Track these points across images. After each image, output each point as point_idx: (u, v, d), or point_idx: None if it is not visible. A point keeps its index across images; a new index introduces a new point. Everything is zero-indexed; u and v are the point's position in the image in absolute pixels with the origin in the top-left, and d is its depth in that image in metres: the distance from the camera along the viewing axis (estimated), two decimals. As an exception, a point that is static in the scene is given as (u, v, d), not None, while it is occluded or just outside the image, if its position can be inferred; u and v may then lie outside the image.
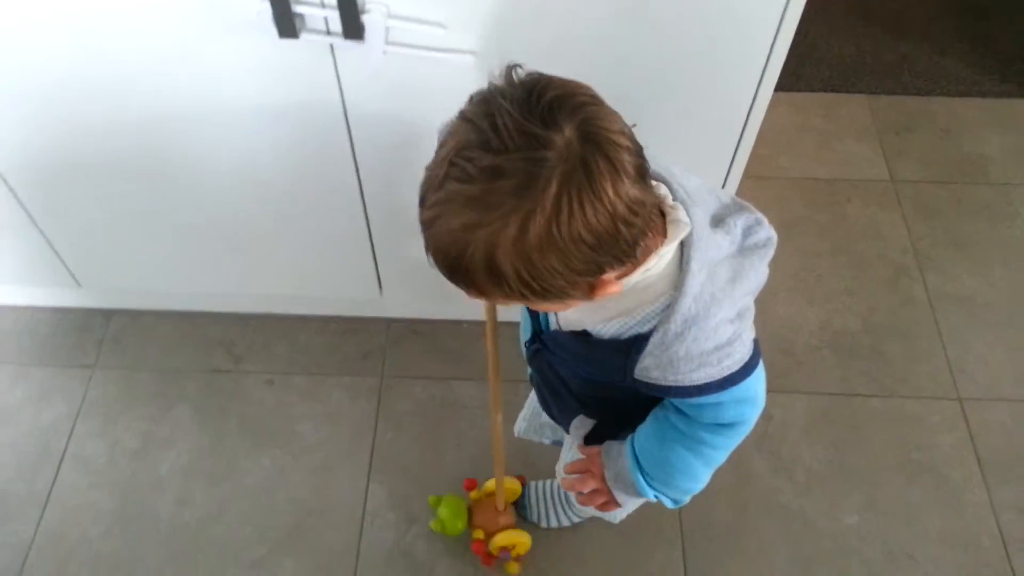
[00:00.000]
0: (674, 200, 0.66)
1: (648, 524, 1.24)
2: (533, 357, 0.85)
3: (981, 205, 1.66)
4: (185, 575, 1.20)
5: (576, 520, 1.22)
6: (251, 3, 0.88)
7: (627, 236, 0.56)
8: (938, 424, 1.36)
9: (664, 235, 0.64)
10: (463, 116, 0.56)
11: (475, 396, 1.37)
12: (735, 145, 1.07)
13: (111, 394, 1.39)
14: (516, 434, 1.12)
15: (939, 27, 2.01)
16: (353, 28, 0.88)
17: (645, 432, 0.78)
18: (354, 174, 1.11)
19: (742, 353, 0.68)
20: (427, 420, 1.36)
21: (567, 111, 0.54)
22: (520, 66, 0.57)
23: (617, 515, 1.07)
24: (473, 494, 1.22)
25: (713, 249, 0.66)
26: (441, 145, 0.57)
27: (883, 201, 1.67)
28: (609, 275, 0.59)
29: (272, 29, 0.89)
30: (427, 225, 0.58)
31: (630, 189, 0.55)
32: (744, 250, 0.69)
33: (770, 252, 0.71)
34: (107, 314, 1.48)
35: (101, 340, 1.45)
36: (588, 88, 0.57)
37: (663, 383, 0.67)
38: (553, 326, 0.78)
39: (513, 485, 1.21)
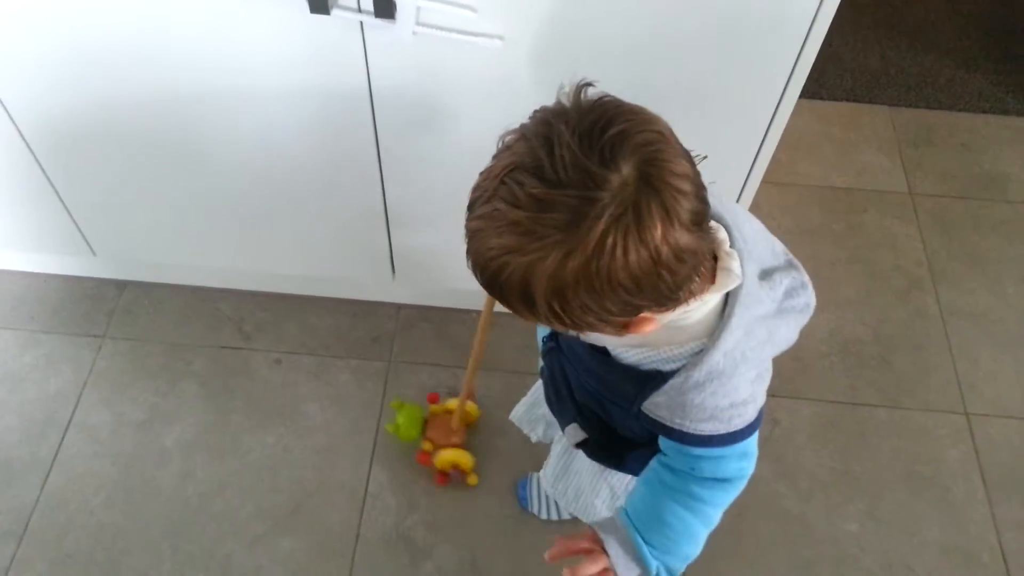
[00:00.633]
0: (731, 246, 0.63)
1: (649, 522, 1.24)
2: (546, 354, 0.85)
3: (998, 222, 1.65)
4: (184, 548, 1.20)
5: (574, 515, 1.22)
6: (283, -23, 0.88)
7: (668, 282, 0.54)
8: (944, 438, 1.35)
9: (712, 280, 0.62)
10: (523, 133, 0.54)
11: (480, 386, 1.37)
12: (756, 150, 1.07)
13: (119, 365, 1.39)
14: (511, 418, 1.12)
15: (965, 43, 2.01)
16: (385, 7, 0.89)
17: (638, 498, 0.75)
18: (375, 156, 1.11)
19: (752, 414, 0.67)
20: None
21: (629, 149, 0.51)
22: (592, 85, 0.54)
23: None
24: (432, 407, 1.27)
25: (756, 306, 0.64)
26: (497, 155, 0.55)
27: (900, 213, 1.66)
28: (646, 315, 0.57)
29: (303, 3, 0.89)
30: (471, 234, 0.56)
31: (680, 236, 0.52)
32: (782, 311, 0.67)
33: (805, 319, 0.69)
34: (120, 285, 1.48)
35: (112, 311, 1.45)
36: (658, 123, 0.54)
37: (668, 424, 0.66)
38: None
39: (472, 408, 1.27)
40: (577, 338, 0.73)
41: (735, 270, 0.62)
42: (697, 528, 0.72)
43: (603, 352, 0.69)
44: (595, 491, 0.95)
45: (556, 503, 1.22)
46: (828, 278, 1.55)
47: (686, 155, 0.55)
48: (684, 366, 0.63)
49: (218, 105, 1.07)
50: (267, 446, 1.30)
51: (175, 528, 1.22)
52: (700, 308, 0.61)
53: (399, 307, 1.47)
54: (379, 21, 0.91)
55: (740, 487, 0.72)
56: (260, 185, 1.20)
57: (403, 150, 1.10)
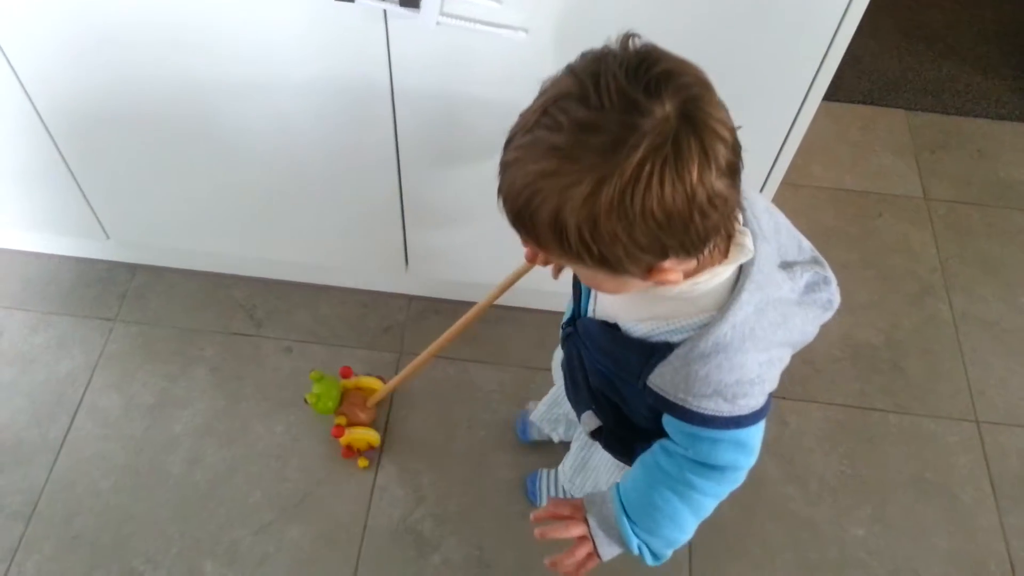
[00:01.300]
0: (744, 226, 0.64)
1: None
2: (565, 340, 0.85)
3: (1014, 230, 1.64)
4: (191, 534, 1.21)
5: None
6: (308, -36, 0.88)
7: (700, 227, 0.54)
8: (954, 445, 1.35)
9: (726, 255, 0.63)
10: (570, 70, 0.55)
11: (490, 380, 1.37)
12: (776, 152, 1.06)
13: (130, 348, 1.39)
14: (532, 418, 1.12)
15: (984, 49, 1.99)
16: (408, -4, 0.88)
17: (632, 476, 0.76)
18: (393, 147, 1.11)
19: (758, 400, 0.66)
20: (441, 400, 1.35)
21: (674, 87, 0.52)
22: (638, 36, 0.55)
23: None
24: (344, 382, 1.26)
25: (771, 287, 0.64)
26: (541, 93, 0.56)
27: (914, 218, 1.65)
28: (670, 263, 0.57)
29: (328, -9, 0.88)
30: (504, 167, 0.56)
31: (716, 181, 0.53)
32: (802, 303, 0.68)
33: (827, 315, 0.69)
34: (132, 268, 1.48)
35: (124, 294, 1.45)
36: (702, 72, 0.56)
37: (671, 399, 0.66)
38: (590, 314, 0.78)
39: (375, 383, 1.26)
40: (593, 318, 0.75)
41: (747, 245, 0.63)
42: (684, 514, 0.72)
43: (614, 328, 0.70)
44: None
45: (563, 422, 1.20)
46: (841, 281, 1.51)
47: (725, 108, 0.56)
48: (691, 337, 0.63)
49: (237, 91, 1.06)
50: (276, 434, 1.30)
51: (183, 513, 1.22)
52: (710, 280, 0.62)
53: (410, 299, 1.47)
54: (403, 10, 0.91)
55: (735, 481, 0.72)
56: (276, 172, 1.19)
57: (421, 142, 1.10)
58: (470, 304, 1.46)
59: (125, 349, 1.39)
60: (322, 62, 1.01)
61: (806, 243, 0.72)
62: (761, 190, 1.12)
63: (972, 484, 1.30)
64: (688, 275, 0.61)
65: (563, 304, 0.87)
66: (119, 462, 1.27)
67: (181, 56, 1.02)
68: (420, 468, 1.27)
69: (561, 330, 0.86)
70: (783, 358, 0.68)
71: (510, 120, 0.58)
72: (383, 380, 1.27)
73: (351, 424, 1.23)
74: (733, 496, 1.29)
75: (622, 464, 0.90)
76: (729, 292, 0.63)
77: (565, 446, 1.08)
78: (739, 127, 0.56)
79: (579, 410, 0.88)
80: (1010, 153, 1.78)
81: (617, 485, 0.76)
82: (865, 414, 1.37)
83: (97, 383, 1.35)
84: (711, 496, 0.72)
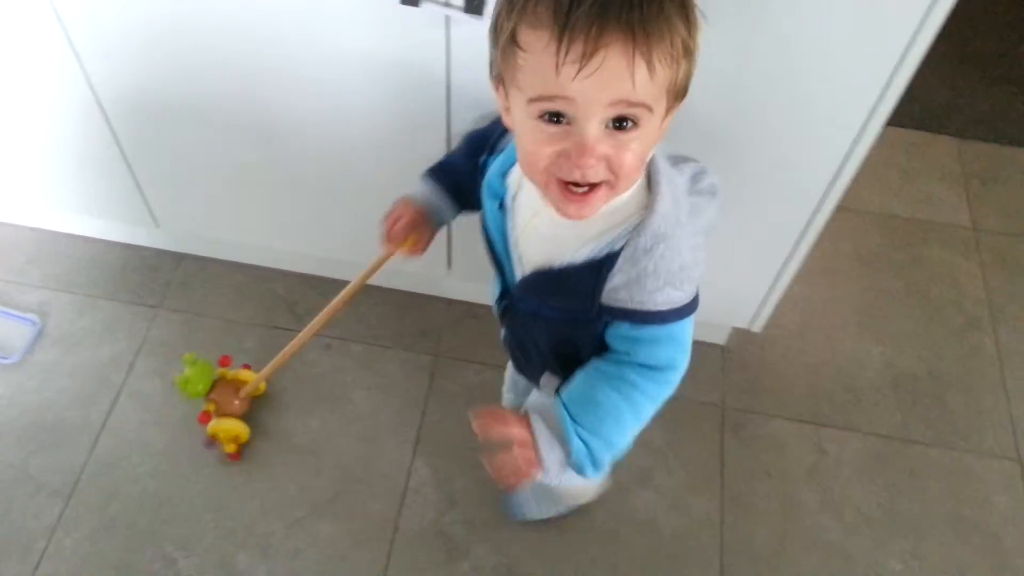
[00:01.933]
0: None
1: (687, 539, 1.23)
2: (503, 314, 0.87)
3: (1064, 266, 1.61)
4: (225, 524, 1.22)
5: (554, 512, 1.21)
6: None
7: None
8: (995, 483, 1.32)
9: None
10: None
11: (458, 382, 1.37)
12: (833, 175, 1.05)
13: (172, 336, 1.41)
14: (505, 406, 1.11)
15: (1040, 78, 1.96)
16: (475, 2, 0.88)
17: (574, 383, 0.77)
18: (445, 149, 1.11)
19: (695, 284, 0.73)
20: (476, 405, 1.35)
21: None
22: None
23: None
24: (222, 371, 1.26)
25: (675, 178, 0.72)
26: None
27: (962, 248, 1.63)
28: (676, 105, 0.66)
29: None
30: None
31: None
32: (695, 192, 0.75)
33: (718, 198, 0.77)
34: (178, 257, 1.50)
35: (169, 282, 1.47)
36: None
37: (628, 306, 0.70)
38: (519, 276, 0.80)
39: (249, 377, 1.26)
40: (527, 274, 0.78)
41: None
42: (625, 412, 0.74)
43: (552, 270, 0.74)
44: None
45: (549, 497, 1.19)
46: (884, 308, 1.52)
47: None
48: (631, 237, 0.69)
49: (294, 86, 1.07)
50: (311, 430, 1.31)
51: (217, 503, 1.24)
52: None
53: (450, 302, 1.47)
54: (466, 16, 0.91)
55: (672, 383, 0.75)
56: (326, 169, 1.20)
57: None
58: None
59: (168, 336, 1.41)
60: (381, 62, 1.01)
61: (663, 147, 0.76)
62: (815, 212, 1.11)
63: (1013, 525, 1.28)
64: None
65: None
66: (158, 448, 1.28)
67: (241, 47, 1.03)
68: (454, 473, 1.27)
69: (495, 307, 0.89)
70: (702, 245, 0.75)
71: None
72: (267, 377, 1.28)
73: (221, 414, 1.23)
74: (768, 519, 1.27)
75: None
76: (645, 193, 0.71)
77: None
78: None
79: (536, 376, 0.89)
80: (1064, 187, 1.75)
81: (558, 393, 0.77)
82: (905, 446, 1.35)
83: (140, 368, 1.37)
84: (650, 398, 0.75)
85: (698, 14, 0.63)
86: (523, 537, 1.22)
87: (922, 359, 1.46)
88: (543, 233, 0.76)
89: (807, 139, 1.01)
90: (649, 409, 0.75)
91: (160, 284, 1.47)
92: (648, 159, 0.69)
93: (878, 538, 1.25)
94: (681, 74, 0.63)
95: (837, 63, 0.91)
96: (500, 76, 0.68)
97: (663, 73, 0.60)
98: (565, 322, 0.78)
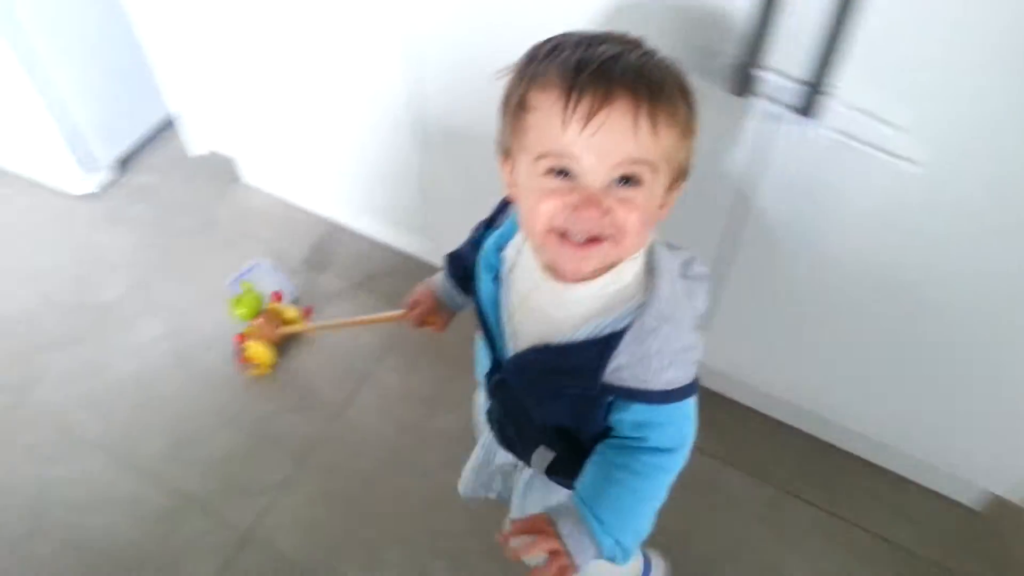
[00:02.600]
0: None
1: None
2: (496, 389, 0.84)
3: None
4: (432, 529, 1.28)
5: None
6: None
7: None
8: None
9: None
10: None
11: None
12: None
13: (419, 342, 1.51)
14: (461, 493, 1.04)
15: None
16: (809, 105, 0.89)
17: (587, 478, 0.77)
18: (731, 240, 1.12)
19: (695, 365, 0.73)
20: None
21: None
22: None
23: None
24: (272, 304, 1.47)
25: (673, 263, 0.74)
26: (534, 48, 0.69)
27: None
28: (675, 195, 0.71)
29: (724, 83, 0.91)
30: (607, 61, 0.64)
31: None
32: (687, 276, 0.75)
33: (708, 285, 0.77)
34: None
35: (426, 291, 1.60)
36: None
37: (632, 385, 0.71)
38: (513, 351, 0.77)
39: (295, 316, 1.48)
40: (521, 351, 0.76)
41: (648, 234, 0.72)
42: (647, 499, 0.75)
43: (550, 347, 0.74)
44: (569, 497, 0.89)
45: (498, 477, 1.08)
46: None
47: None
48: (635, 318, 0.70)
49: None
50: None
51: (428, 508, 1.31)
52: (632, 267, 0.72)
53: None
54: (795, 116, 0.92)
55: (684, 456, 0.75)
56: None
57: (766, 240, 1.09)
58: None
59: (415, 341, 1.52)
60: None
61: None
62: None
63: None
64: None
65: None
66: (387, 440, 1.39)
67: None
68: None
69: (485, 382, 0.86)
70: (697, 327, 0.75)
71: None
72: (307, 318, 1.49)
73: (257, 337, 1.42)
74: None
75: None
76: (644, 274, 0.73)
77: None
78: None
79: (528, 452, 0.87)
80: None
81: (576, 492, 0.77)
82: None
83: (387, 362, 1.49)
84: (667, 472, 0.75)
85: (696, 104, 0.67)
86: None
87: None
88: (543, 308, 0.75)
89: None
90: (665, 487, 0.76)
91: (418, 292, 1.60)
92: (650, 232, 0.72)
93: None
94: (684, 152, 0.68)
95: None
96: (508, 150, 0.72)
97: (666, 134, 0.65)
98: (565, 398, 0.78)
